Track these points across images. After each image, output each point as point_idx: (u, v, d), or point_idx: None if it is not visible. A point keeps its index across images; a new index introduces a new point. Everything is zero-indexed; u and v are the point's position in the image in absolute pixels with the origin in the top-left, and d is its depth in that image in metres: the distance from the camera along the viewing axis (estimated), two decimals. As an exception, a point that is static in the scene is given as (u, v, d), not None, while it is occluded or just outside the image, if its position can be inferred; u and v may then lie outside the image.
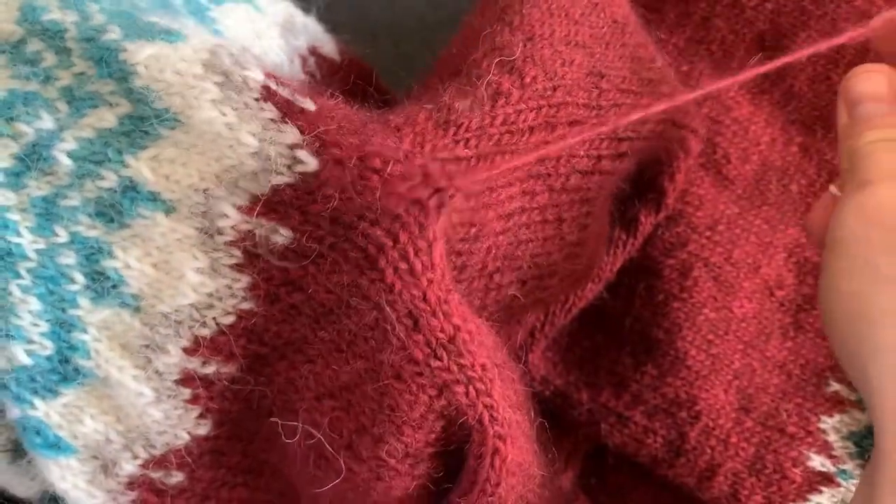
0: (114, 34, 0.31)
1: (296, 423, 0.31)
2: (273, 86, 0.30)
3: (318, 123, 0.29)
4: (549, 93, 0.34)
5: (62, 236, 0.31)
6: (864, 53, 0.43)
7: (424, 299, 0.28)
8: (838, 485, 0.40)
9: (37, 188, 0.31)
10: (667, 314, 0.42)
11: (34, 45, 0.31)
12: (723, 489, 0.40)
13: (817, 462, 0.41)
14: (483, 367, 0.29)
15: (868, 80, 0.33)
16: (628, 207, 0.41)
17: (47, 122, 0.31)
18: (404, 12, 0.56)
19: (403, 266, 0.28)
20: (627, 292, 0.43)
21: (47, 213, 0.31)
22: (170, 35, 0.31)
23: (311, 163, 0.29)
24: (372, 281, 0.29)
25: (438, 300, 0.28)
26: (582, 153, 0.36)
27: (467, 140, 0.32)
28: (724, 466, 0.40)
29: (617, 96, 0.36)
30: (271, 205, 0.30)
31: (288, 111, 0.30)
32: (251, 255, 0.31)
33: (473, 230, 0.33)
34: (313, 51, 0.42)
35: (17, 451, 0.35)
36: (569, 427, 0.43)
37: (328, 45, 0.43)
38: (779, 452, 0.41)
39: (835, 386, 0.42)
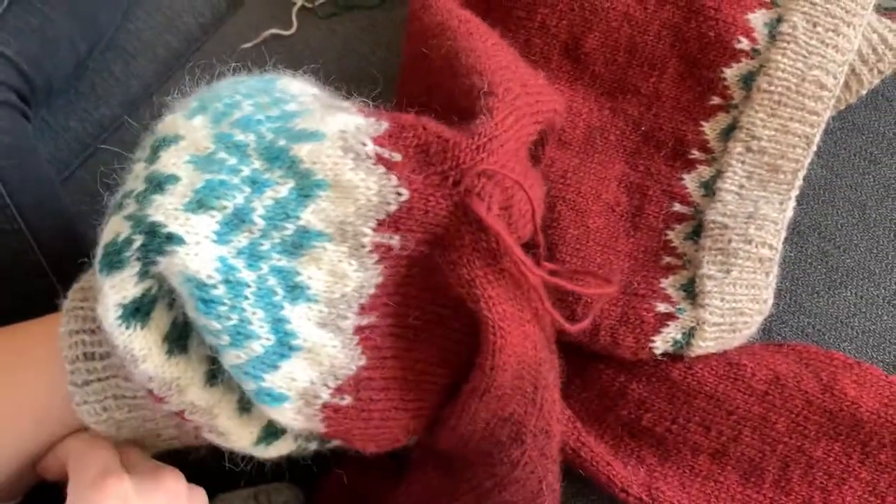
0: (282, 142, 0.45)
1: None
2: (379, 150, 0.45)
3: (406, 169, 0.45)
4: (506, 96, 0.50)
5: (265, 269, 0.43)
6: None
7: (464, 261, 0.46)
8: (678, 318, 0.60)
9: (239, 241, 0.42)
10: (545, 238, 0.60)
11: (220, 154, 0.44)
12: (607, 339, 0.59)
13: (662, 307, 0.60)
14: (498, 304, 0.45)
15: None
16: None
17: (238, 199, 0.43)
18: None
19: (456, 242, 0.45)
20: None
21: (252, 256, 0.43)
22: (316, 135, 0.45)
23: (405, 194, 0.45)
24: (443, 248, 0.46)
25: (460, 257, 0.46)
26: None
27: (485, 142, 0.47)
28: (602, 324, 0.59)
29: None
30: (388, 223, 0.45)
31: (389, 165, 0.45)
32: (382, 254, 0.45)
33: None
34: None
35: (244, 409, 0.44)
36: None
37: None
38: (636, 307, 0.60)
39: (666, 259, 0.62)
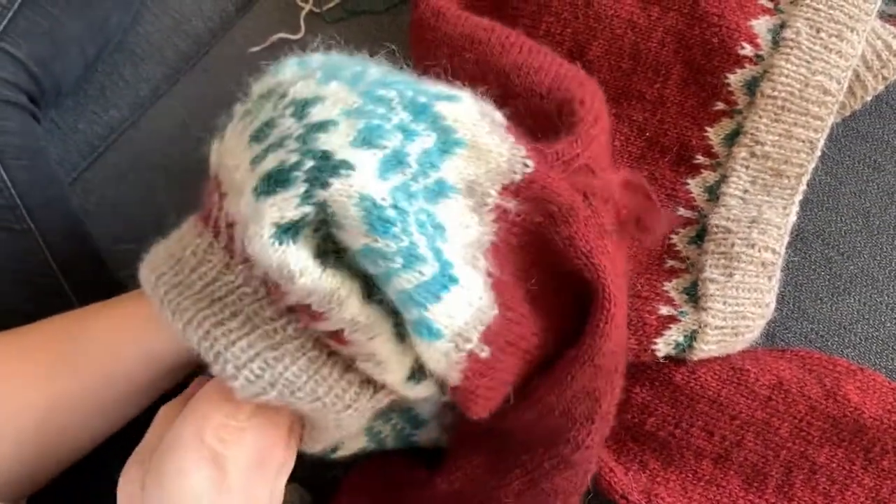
0: (423, 98, 0.47)
1: None
2: (507, 122, 0.49)
3: (525, 142, 0.49)
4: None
5: (416, 207, 0.44)
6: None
7: (580, 234, 0.48)
8: (680, 321, 0.60)
9: (395, 179, 0.44)
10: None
11: (370, 106, 0.46)
12: (609, 342, 0.60)
13: (665, 310, 0.60)
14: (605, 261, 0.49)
15: None
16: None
17: (394, 142, 0.45)
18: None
19: (570, 218, 0.48)
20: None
21: (406, 194, 0.44)
22: (454, 97, 0.48)
23: (531, 166, 0.48)
24: (557, 223, 0.48)
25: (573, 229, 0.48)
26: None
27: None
28: (606, 327, 0.60)
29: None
30: (511, 189, 0.48)
31: (515, 136, 0.48)
32: (500, 214, 0.48)
33: None
34: None
35: (400, 335, 0.45)
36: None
37: None
38: (640, 310, 0.60)
39: (669, 262, 0.63)
